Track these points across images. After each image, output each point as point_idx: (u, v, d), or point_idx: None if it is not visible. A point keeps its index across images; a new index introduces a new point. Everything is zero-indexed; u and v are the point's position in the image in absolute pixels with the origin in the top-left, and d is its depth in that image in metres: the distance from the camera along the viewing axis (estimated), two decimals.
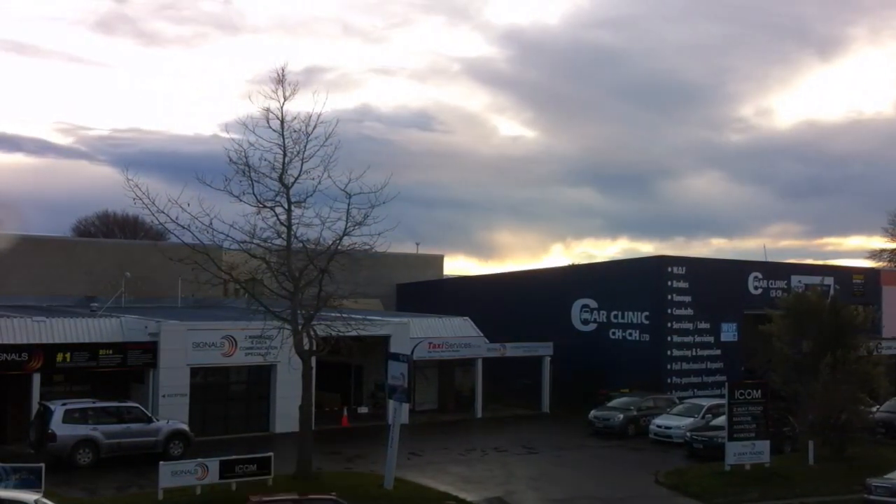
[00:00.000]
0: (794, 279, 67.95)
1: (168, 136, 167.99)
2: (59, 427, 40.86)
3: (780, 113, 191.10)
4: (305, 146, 37.85)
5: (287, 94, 37.64)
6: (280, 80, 37.63)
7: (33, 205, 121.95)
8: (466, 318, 62.50)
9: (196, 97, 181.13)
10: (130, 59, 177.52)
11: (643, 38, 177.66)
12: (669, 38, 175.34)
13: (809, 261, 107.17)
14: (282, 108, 37.58)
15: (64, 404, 42.21)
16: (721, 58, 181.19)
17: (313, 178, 37.99)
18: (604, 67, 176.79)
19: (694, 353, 62.92)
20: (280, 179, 37.87)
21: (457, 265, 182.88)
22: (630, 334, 63.48)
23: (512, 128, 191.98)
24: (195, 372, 49.09)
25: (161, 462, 35.59)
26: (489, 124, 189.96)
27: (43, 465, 33.13)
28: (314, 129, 37.74)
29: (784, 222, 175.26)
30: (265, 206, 38.00)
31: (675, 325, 62.43)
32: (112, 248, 76.59)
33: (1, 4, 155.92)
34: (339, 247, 38.43)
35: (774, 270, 69.08)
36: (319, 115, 37.69)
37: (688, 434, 48.46)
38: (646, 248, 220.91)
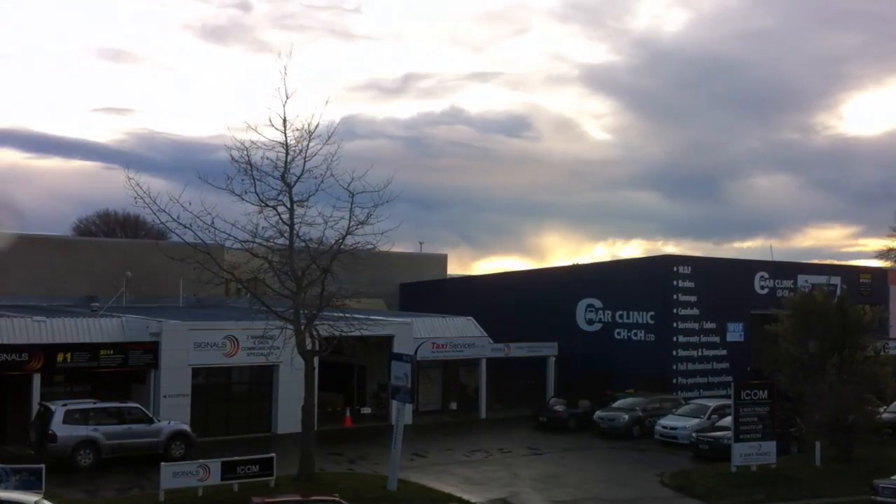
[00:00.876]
0: (801, 279, 67.96)
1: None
2: (59, 428, 40.86)
3: (870, 118, 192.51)
4: (308, 144, 37.90)
5: (289, 92, 37.68)
6: (283, 77, 37.67)
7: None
8: (470, 318, 62.49)
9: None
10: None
11: (769, 48, 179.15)
12: (794, 47, 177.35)
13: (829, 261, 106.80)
14: (284, 105, 37.61)
15: (64, 405, 42.21)
16: (838, 66, 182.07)
17: (316, 177, 38.02)
18: (717, 76, 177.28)
19: (700, 354, 62.94)
20: (282, 178, 37.87)
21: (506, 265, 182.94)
22: (635, 334, 63.47)
23: (602, 133, 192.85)
24: (197, 372, 49.08)
25: (162, 463, 35.60)
26: (579, 129, 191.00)
27: (43, 466, 33.15)
28: (316, 127, 37.81)
29: (850, 225, 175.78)
30: (267, 205, 37.99)
31: (681, 325, 62.43)
32: (113, 247, 76.57)
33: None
34: (342, 246, 38.43)
35: (781, 270, 69.03)
36: (321, 114, 37.77)
37: (693, 435, 48.38)
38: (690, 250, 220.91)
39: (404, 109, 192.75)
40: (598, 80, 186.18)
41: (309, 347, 38.83)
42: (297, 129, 37.76)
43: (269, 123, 37.48)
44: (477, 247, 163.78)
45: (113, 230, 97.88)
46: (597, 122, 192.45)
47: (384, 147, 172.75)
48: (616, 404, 55.22)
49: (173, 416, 45.30)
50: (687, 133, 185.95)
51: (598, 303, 66.21)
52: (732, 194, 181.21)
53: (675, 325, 62.23)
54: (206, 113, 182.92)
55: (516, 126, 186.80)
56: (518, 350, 61.07)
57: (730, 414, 44.21)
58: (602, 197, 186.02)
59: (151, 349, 48.01)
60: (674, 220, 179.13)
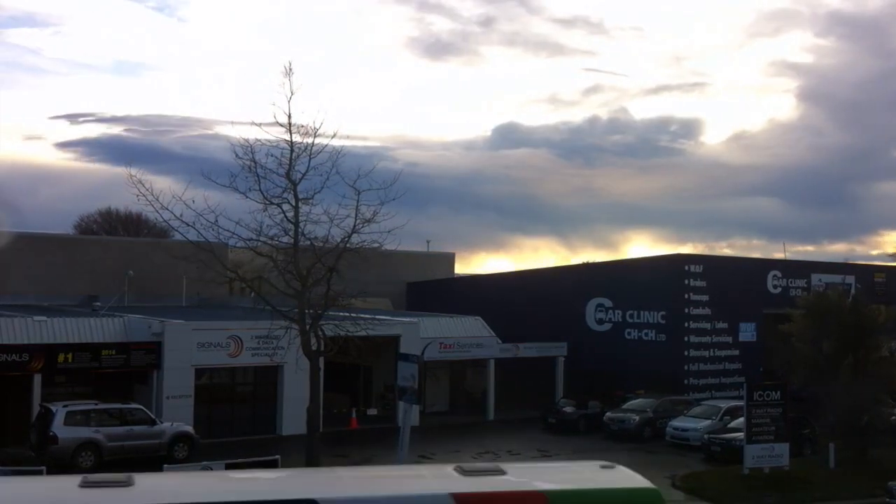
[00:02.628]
0: (815, 278, 67.84)
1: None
2: (60, 429, 40.96)
3: None
4: (313, 142, 37.91)
5: (294, 88, 37.70)
6: (287, 73, 37.69)
7: None
8: (478, 317, 62.46)
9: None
10: None
11: None
12: None
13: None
14: (289, 102, 37.64)
15: (66, 406, 42.29)
16: None
17: (321, 175, 38.03)
18: None
19: (712, 354, 62.84)
20: (287, 175, 37.87)
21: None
22: (646, 334, 63.41)
23: (763, 138, 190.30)
24: (200, 373, 49.18)
25: (165, 465, 35.53)
26: (736, 133, 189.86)
27: (44, 468, 33.12)
28: (321, 125, 37.81)
29: None
30: (272, 203, 37.99)
31: (693, 325, 62.34)
32: (115, 245, 76.56)
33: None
34: (348, 244, 38.43)
35: (794, 269, 68.96)
36: (327, 111, 37.74)
37: (705, 436, 48.33)
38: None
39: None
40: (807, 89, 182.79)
41: (314, 348, 38.81)
42: (302, 126, 37.86)
43: (273, 120, 37.62)
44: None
45: (115, 228, 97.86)
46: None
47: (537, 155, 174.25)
48: (626, 405, 55.17)
49: (176, 417, 45.38)
50: (842, 138, 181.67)
51: (608, 302, 66.14)
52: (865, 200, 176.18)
53: (686, 324, 62.14)
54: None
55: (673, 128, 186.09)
56: (527, 350, 61.05)
57: (742, 415, 44.15)
58: (715, 203, 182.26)
59: (154, 349, 48.09)
60: (778, 224, 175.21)
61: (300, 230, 38.23)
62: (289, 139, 37.77)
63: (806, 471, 42.48)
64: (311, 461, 38.15)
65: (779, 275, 67.42)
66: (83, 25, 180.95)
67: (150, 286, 67.96)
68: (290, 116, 37.62)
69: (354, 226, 38.10)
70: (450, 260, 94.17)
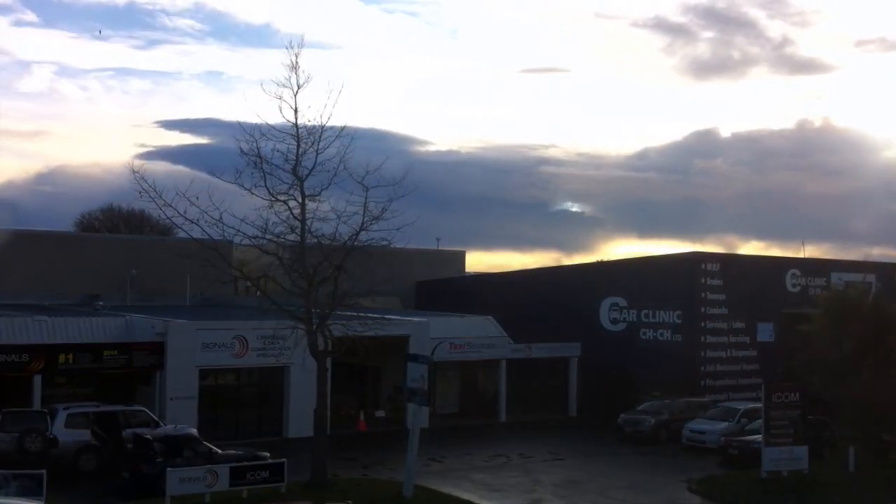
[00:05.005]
0: (835, 276, 67.65)
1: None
2: (61, 432, 41.00)
3: None
4: (321, 137, 37.90)
5: (301, 81, 37.72)
6: (294, 67, 37.70)
7: None
8: (489, 317, 62.36)
9: None
10: None
11: None
12: None
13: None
14: (295, 96, 37.66)
15: (66, 408, 42.34)
16: None
17: (328, 171, 38.01)
18: None
19: (729, 354, 62.75)
20: (294, 171, 37.88)
21: None
22: (661, 334, 63.33)
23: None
24: (204, 374, 49.20)
25: (168, 468, 35.59)
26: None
27: (44, 471, 33.17)
28: (329, 119, 37.82)
29: None
30: (278, 200, 38.01)
31: (710, 325, 62.27)
32: (117, 243, 76.60)
33: None
34: (356, 242, 38.43)
35: (813, 267, 68.80)
36: (335, 105, 37.67)
37: (722, 439, 48.33)
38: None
39: None
40: None
41: (321, 348, 38.85)
42: (310, 121, 37.87)
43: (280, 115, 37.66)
44: None
45: (117, 226, 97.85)
46: None
47: None
48: (641, 407, 55.10)
49: (180, 419, 45.27)
50: None
51: (622, 301, 66.05)
52: None
53: (703, 324, 62.08)
54: None
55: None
56: (539, 351, 61.01)
57: (760, 417, 44.09)
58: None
59: (157, 350, 48.14)
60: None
61: (307, 227, 38.26)
62: (295, 133, 37.82)
63: (825, 474, 42.39)
64: (318, 464, 38.20)
65: (797, 273, 67.28)
66: None
67: (153, 285, 67.92)
68: (296, 111, 37.70)
69: (362, 223, 38.12)
70: (460, 258, 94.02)
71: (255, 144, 37.52)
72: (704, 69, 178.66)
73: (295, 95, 37.64)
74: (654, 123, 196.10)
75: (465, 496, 38.43)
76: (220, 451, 39.46)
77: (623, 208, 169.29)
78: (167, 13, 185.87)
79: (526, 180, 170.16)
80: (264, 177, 37.58)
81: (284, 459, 37.65)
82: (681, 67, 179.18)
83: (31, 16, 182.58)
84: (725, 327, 62.76)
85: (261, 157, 37.49)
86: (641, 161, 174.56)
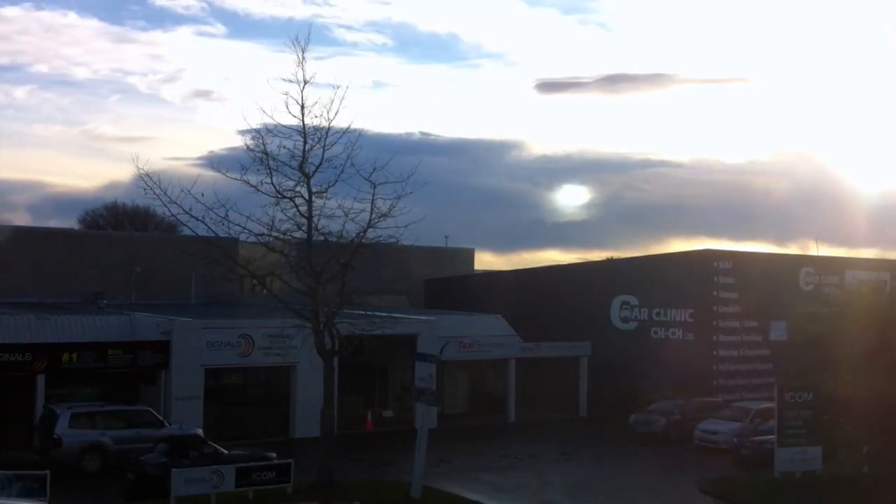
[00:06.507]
0: (849, 274, 67.56)
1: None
2: (64, 432, 41.09)
3: None
4: (328, 133, 37.85)
5: (308, 76, 37.69)
6: (300, 61, 37.66)
7: None
8: (498, 315, 62.30)
9: None
10: None
11: None
12: None
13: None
14: (302, 91, 37.63)
15: (70, 408, 42.42)
16: None
17: (336, 167, 37.97)
18: None
19: (741, 354, 62.65)
20: (300, 168, 37.85)
21: None
22: (673, 333, 63.25)
23: None
24: (210, 373, 49.21)
25: (174, 469, 35.60)
26: None
27: (48, 472, 33.27)
28: (336, 114, 37.76)
29: None
30: (284, 197, 37.98)
31: (722, 324, 62.17)
32: (121, 241, 76.66)
33: None
34: (364, 240, 38.39)
35: (827, 265, 68.69)
36: (342, 100, 37.63)
37: (735, 439, 48.27)
38: None
39: None
40: None
41: (328, 347, 38.84)
42: (317, 116, 37.81)
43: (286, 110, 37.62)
44: None
45: (121, 223, 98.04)
46: None
47: None
48: (653, 407, 55.06)
49: (185, 419, 45.35)
50: None
51: (633, 300, 65.96)
52: None
53: (715, 323, 62.01)
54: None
55: None
56: (549, 350, 60.98)
57: (773, 418, 44.04)
58: None
59: (162, 349, 48.16)
60: None
61: (314, 225, 38.22)
62: (301, 129, 37.79)
63: (839, 475, 42.31)
64: (325, 465, 38.19)
65: (811, 272, 67.16)
66: None
67: (157, 283, 67.89)
68: (302, 106, 37.65)
69: (370, 220, 38.07)
70: (469, 256, 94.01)
71: (261, 141, 37.57)
72: None
73: (301, 90, 37.65)
74: None
75: (474, 497, 38.42)
76: (225, 451, 39.48)
77: None
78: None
79: None
80: (270, 174, 37.60)
81: (291, 460, 37.67)
82: None
83: (220, 28, 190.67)
84: (738, 326, 62.64)
85: (267, 154, 37.48)
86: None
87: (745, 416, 51.51)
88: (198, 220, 37.13)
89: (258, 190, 37.60)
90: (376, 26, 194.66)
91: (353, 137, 38.10)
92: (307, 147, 37.74)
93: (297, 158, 37.76)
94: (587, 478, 43.74)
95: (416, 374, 39.18)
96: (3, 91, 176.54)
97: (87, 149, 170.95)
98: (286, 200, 38.01)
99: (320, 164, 37.89)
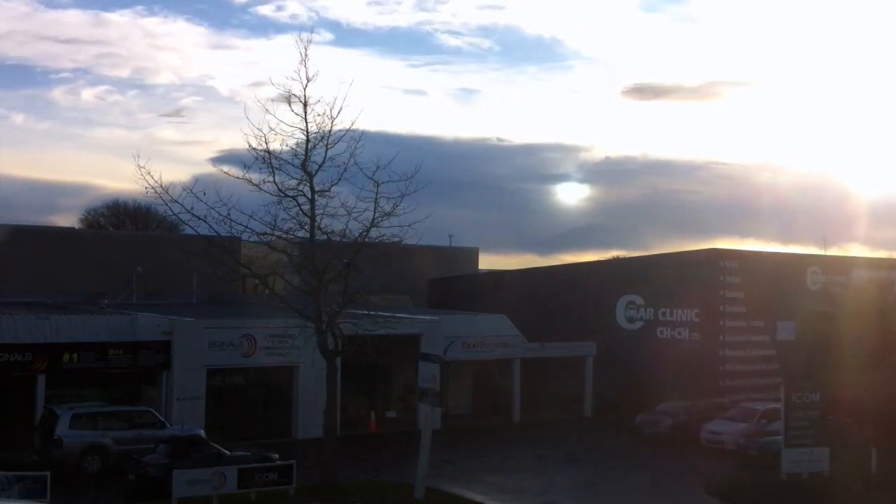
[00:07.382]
0: (856, 274, 67.50)
1: None
2: (65, 433, 41.06)
3: None
4: (330, 131, 37.84)
5: (310, 74, 37.66)
6: (303, 59, 37.64)
7: None
8: (503, 315, 62.16)
9: None
10: None
11: None
12: None
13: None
14: (304, 89, 37.61)
15: (71, 408, 42.40)
16: None
17: (338, 166, 37.93)
18: None
19: (748, 354, 62.56)
20: (303, 167, 37.82)
21: None
22: (679, 333, 63.21)
23: None
24: (212, 373, 49.18)
25: (175, 470, 35.61)
26: None
27: (48, 473, 33.34)
28: (339, 112, 37.73)
29: None
30: (287, 196, 37.96)
31: (728, 324, 62.09)
32: (123, 240, 76.71)
33: None
34: (367, 239, 38.36)
35: (834, 265, 68.61)
36: (345, 98, 37.61)
37: (741, 440, 48.22)
38: None
39: None
40: None
41: (331, 347, 38.83)
42: (319, 115, 37.79)
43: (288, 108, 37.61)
44: None
45: (122, 222, 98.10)
46: None
47: None
48: (659, 408, 54.99)
49: (186, 420, 45.39)
50: None
51: (639, 300, 65.92)
52: None
53: (721, 323, 61.94)
54: None
55: None
56: (554, 350, 60.87)
57: (780, 418, 44.00)
58: None
59: (163, 349, 48.12)
60: None
61: (316, 224, 38.19)
62: (304, 127, 37.79)
63: (846, 476, 42.24)
64: (328, 466, 38.18)
65: (818, 271, 67.06)
66: None
67: (159, 283, 67.90)
68: (305, 104, 37.63)
69: (373, 219, 38.03)
70: (473, 255, 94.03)
71: (263, 139, 37.55)
72: None
73: (304, 88, 37.63)
74: None
75: (479, 499, 38.41)
76: (227, 452, 39.46)
77: None
78: None
79: None
80: (273, 172, 37.59)
81: (293, 461, 37.68)
82: None
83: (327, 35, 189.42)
84: (744, 326, 62.57)
85: (269, 153, 37.49)
86: None
87: (751, 416, 51.41)
88: (200, 219, 37.16)
89: (260, 189, 37.63)
90: (485, 31, 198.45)
91: (356, 135, 38.14)
92: (310, 145, 37.68)
93: (300, 157, 37.74)
94: (592, 479, 43.68)
95: (420, 375, 39.21)
96: (72, 93, 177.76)
97: (145, 151, 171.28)
98: (289, 199, 38.00)
99: (323, 162, 37.90)
